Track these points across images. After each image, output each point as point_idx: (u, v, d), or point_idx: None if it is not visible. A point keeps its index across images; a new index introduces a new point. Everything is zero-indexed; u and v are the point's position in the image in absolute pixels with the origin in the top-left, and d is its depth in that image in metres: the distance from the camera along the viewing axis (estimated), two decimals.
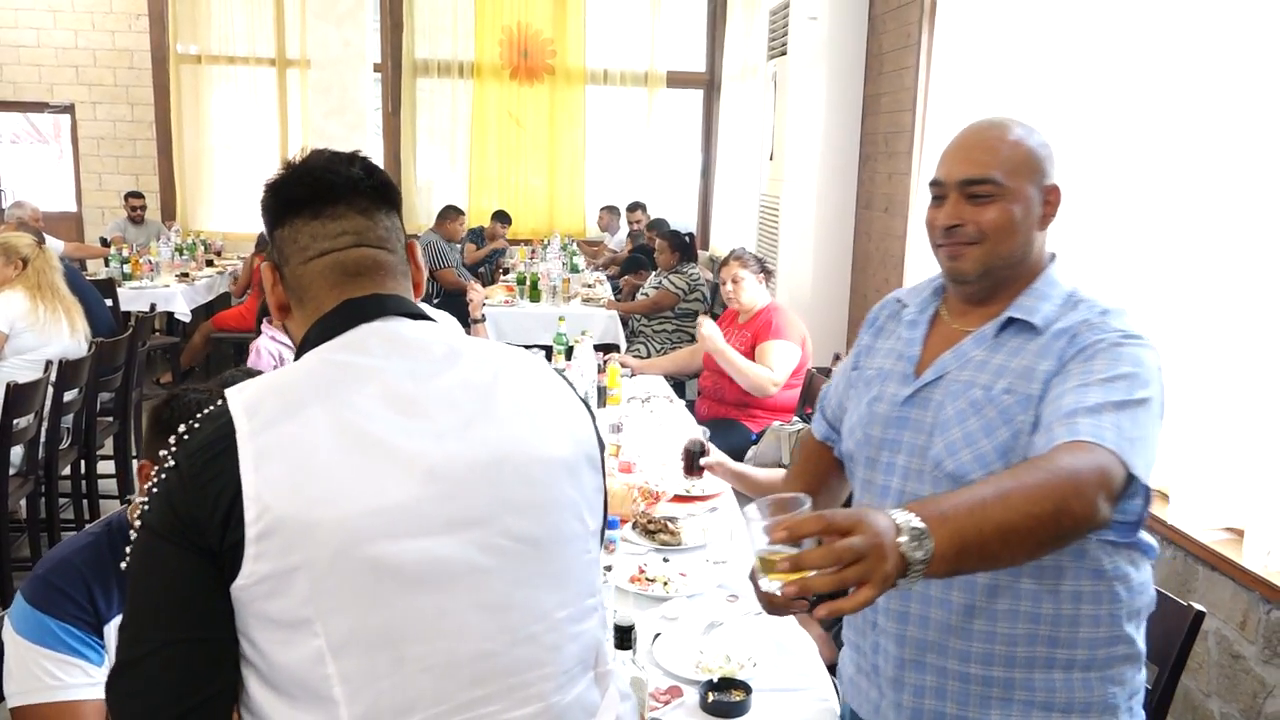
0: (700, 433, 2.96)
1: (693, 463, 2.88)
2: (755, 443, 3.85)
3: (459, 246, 8.02)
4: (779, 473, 2.92)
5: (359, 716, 1.02)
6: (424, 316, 1.20)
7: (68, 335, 4.05)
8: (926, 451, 1.48)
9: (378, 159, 9.20)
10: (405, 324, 1.16)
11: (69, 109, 9.07)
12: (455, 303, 6.18)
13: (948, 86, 4.28)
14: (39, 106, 9.10)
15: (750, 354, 4.09)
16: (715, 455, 2.86)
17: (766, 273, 4.29)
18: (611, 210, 9.17)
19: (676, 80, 9.51)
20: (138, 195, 8.33)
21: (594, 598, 1.20)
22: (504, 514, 1.10)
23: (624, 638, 1.67)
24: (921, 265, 4.34)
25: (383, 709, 1.03)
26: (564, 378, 1.28)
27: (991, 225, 1.45)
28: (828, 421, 1.77)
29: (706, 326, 4.05)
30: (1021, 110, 3.62)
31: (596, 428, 1.27)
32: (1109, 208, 3.06)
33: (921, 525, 1.06)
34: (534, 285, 6.64)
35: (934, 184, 1.52)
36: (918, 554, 1.05)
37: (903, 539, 1.05)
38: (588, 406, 1.27)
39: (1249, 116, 2.47)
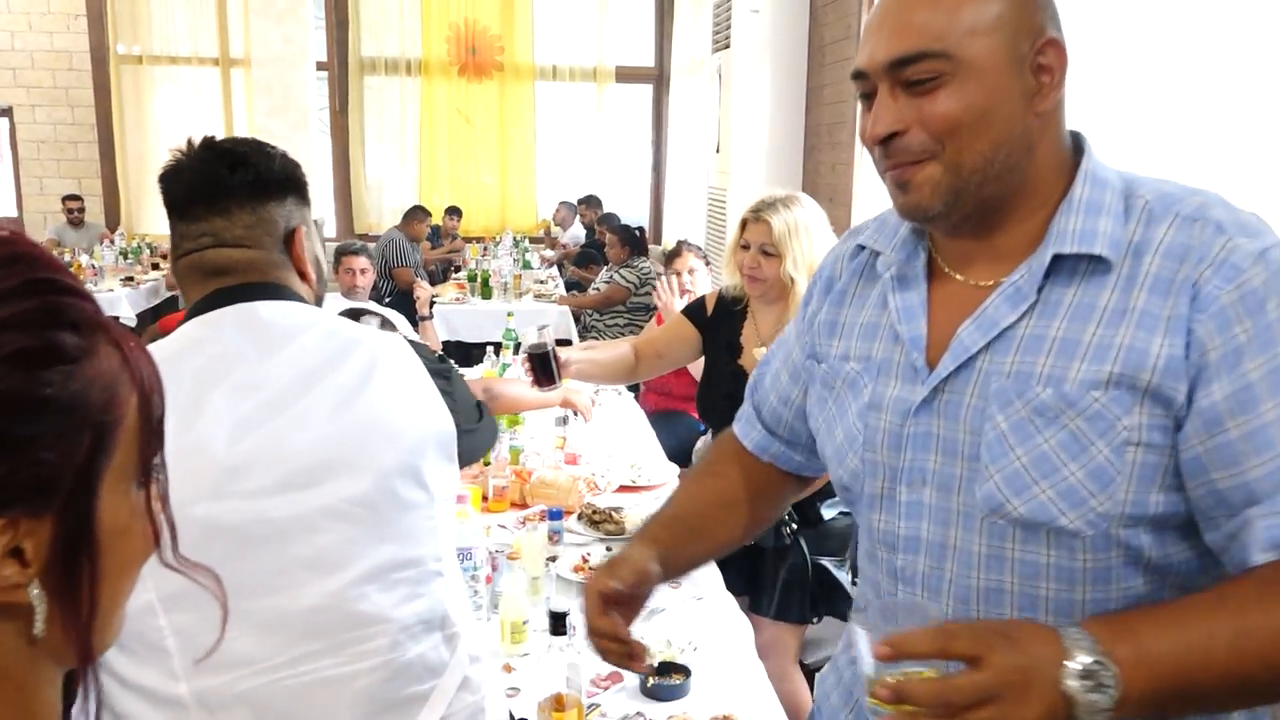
0: (544, 332, 2.46)
1: (543, 367, 2.40)
2: (704, 434, 3.89)
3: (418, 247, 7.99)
4: (623, 348, 2.73)
5: (190, 667, 1.11)
6: (293, 298, 1.27)
7: None
8: (972, 486, 0.96)
9: (324, 158, 9.09)
10: (262, 305, 1.23)
11: (7, 112, 8.88)
12: (410, 301, 6.15)
13: None
14: None
15: None
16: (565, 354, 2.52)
17: (707, 262, 4.33)
18: (568, 206, 9.19)
19: (625, 75, 9.52)
20: (75, 198, 8.18)
21: (439, 562, 1.26)
22: (337, 478, 1.17)
23: (559, 623, 1.69)
24: None
25: (215, 661, 1.08)
26: (427, 366, 1.32)
27: (945, 122, 0.93)
28: (765, 425, 1.29)
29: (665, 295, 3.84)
30: None
31: (454, 411, 1.32)
32: None
33: (1108, 664, 0.79)
34: (485, 282, 6.63)
35: (856, 76, 1.00)
36: (1096, 700, 0.79)
37: (1072, 681, 0.79)
38: (449, 394, 1.32)
39: (1190, 132, 2.54)
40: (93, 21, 8.73)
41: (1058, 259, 0.95)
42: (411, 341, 1.35)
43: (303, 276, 1.31)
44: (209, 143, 1.29)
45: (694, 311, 2.71)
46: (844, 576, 2.49)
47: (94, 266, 7.10)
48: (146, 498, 0.60)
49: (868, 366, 1.08)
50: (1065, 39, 0.96)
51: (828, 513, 2.47)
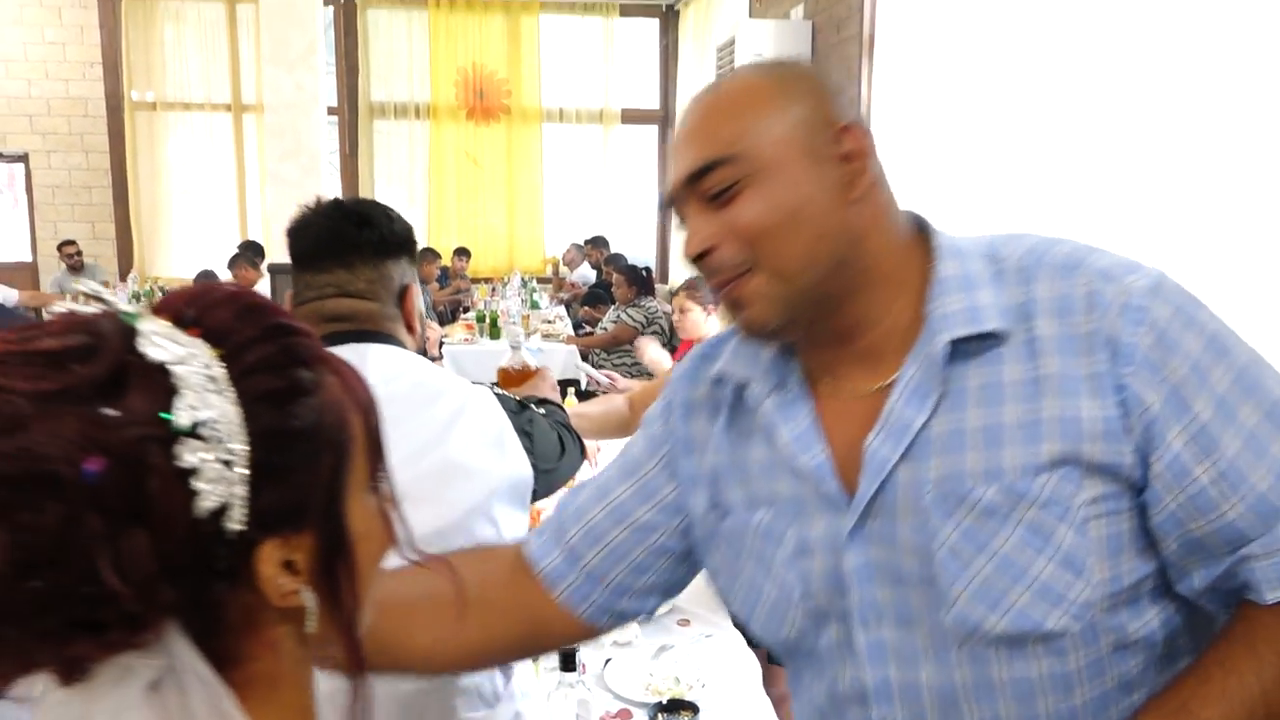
0: (587, 379, 2.49)
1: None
2: None
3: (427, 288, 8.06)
4: (618, 404, 2.64)
5: None
6: (395, 343, 1.37)
7: None
8: (936, 613, 0.87)
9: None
10: (373, 348, 1.32)
11: (23, 158, 9.03)
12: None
13: (889, 117, 4.40)
14: None
15: None
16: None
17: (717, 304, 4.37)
18: (576, 247, 9.27)
19: (631, 117, 9.64)
20: (70, 243, 8.11)
21: None
22: (416, 510, 1.26)
23: (568, 661, 1.70)
24: None
25: None
26: (509, 414, 1.42)
27: (752, 228, 0.87)
28: (572, 551, 1.06)
29: (652, 350, 4.04)
30: (962, 135, 3.74)
31: (531, 454, 1.42)
32: (1054, 232, 3.17)
33: None
34: (494, 323, 6.68)
35: (668, 204, 0.95)
36: None
37: None
38: (528, 437, 1.43)
39: (1188, 149, 2.58)
40: (108, 69, 8.90)
41: (955, 344, 0.86)
42: (497, 392, 1.45)
43: (409, 329, 1.42)
44: (338, 202, 1.41)
45: None
46: None
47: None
48: (379, 502, 0.67)
49: (779, 511, 0.95)
50: (862, 123, 0.92)
51: None
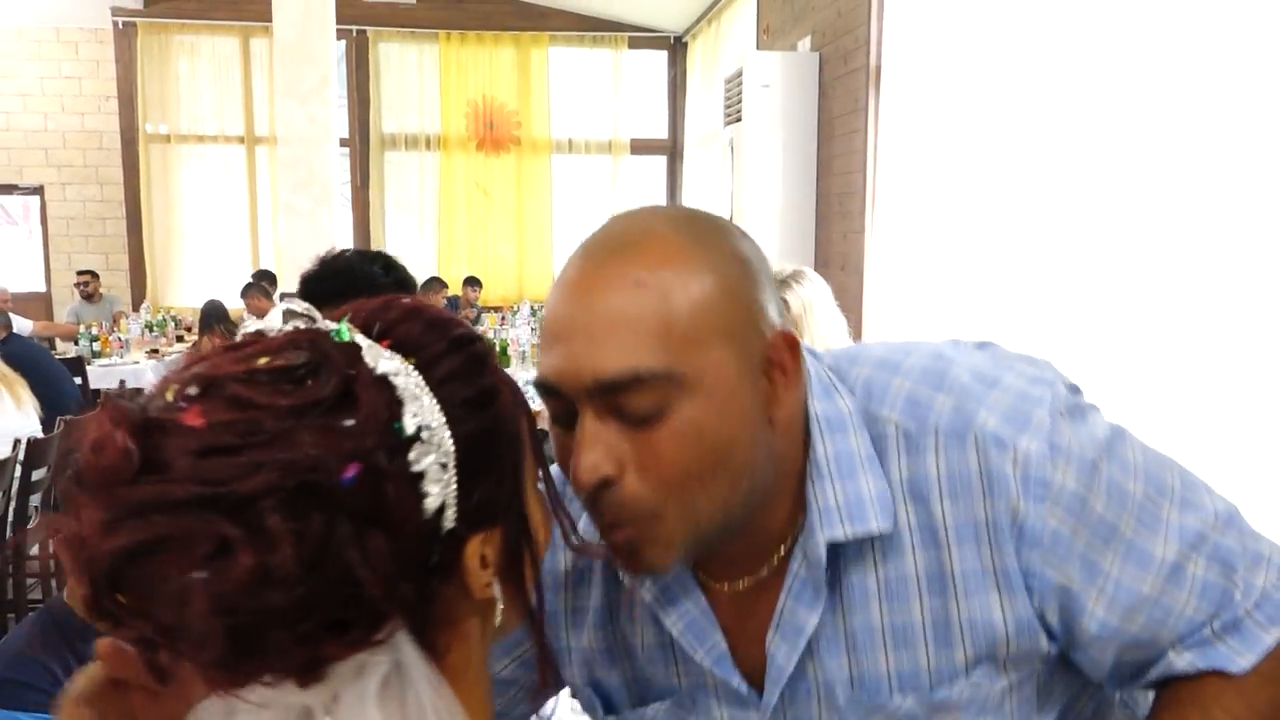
0: None
1: None
2: None
3: None
4: None
5: None
6: None
7: (13, 409, 4.07)
8: None
9: (346, 231, 9.26)
10: None
11: (38, 190, 9.14)
12: None
13: (895, 146, 4.44)
14: (8, 189, 9.17)
15: None
16: None
17: None
18: None
19: (640, 147, 9.71)
20: (85, 272, 8.20)
21: None
22: None
23: None
24: (879, 323, 4.46)
25: None
26: None
27: (675, 469, 0.71)
28: None
29: None
30: (968, 168, 3.78)
31: None
32: (1059, 261, 3.19)
33: None
34: (504, 351, 6.71)
35: (543, 388, 0.75)
36: None
37: None
38: None
39: (1198, 168, 2.61)
40: (123, 103, 9.01)
41: (835, 549, 0.77)
42: None
43: None
44: (358, 249, 1.48)
45: None
46: None
47: (120, 339, 7.23)
48: (542, 499, 0.69)
49: (677, 701, 0.85)
50: (787, 326, 0.77)
51: None
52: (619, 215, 0.81)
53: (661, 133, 9.80)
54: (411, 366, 0.59)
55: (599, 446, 0.70)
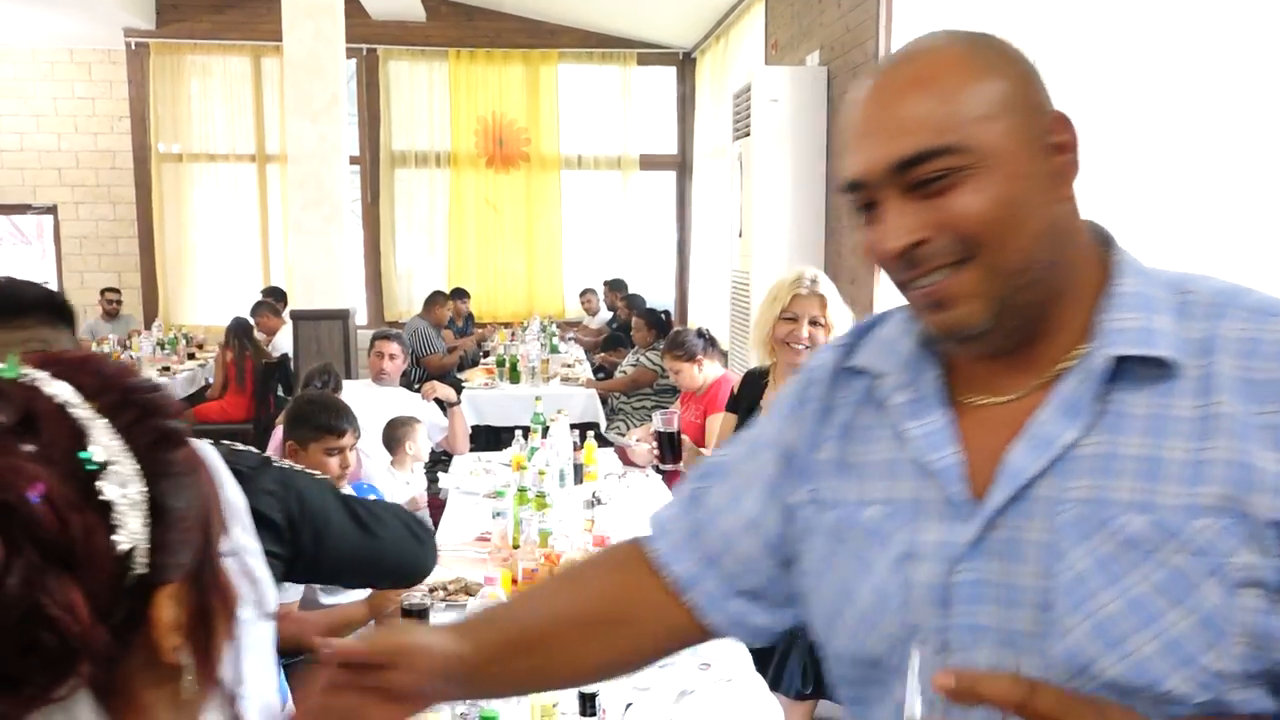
0: (670, 417, 2.86)
1: (671, 446, 2.76)
2: None
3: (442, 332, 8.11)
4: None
5: None
6: None
7: None
8: (1045, 642, 0.79)
9: (357, 248, 9.28)
10: None
11: (51, 210, 9.20)
12: (445, 384, 6.23)
13: None
14: (22, 209, 9.23)
15: (702, 429, 4.16)
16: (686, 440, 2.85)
17: (711, 346, 4.37)
18: (591, 293, 9.32)
19: (649, 163, 9.73)
20: (114, 290, 8.36)
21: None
22: None
23: (588, 705, 1.70)
24: None
25: None
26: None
27: (974, 222, 0.80)
28: (706, 556, 1.01)
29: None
30: None
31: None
32: None
33: None
34: (513, 367, 6.71)
35: (852, 188, 0.87)
36: None
37: None
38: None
39: (1203, 170, 2.59)
40: (135, 122, 9.08)
41: (1121, 361, 0.80)
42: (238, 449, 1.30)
43: None
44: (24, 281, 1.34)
45: (730, 402, 2.93)
46: None
47: (132, 357, 7.26)
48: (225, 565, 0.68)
49: (894, 510, 0.88)
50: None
51: None
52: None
53: (671, 148, 9.82)
54: (91, 406, 0.57)
55: (903, 219, 0.82)
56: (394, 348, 4.82)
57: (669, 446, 2.76)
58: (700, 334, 4.38)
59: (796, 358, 2.67)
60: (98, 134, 9.16)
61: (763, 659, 2.47)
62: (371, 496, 3.67)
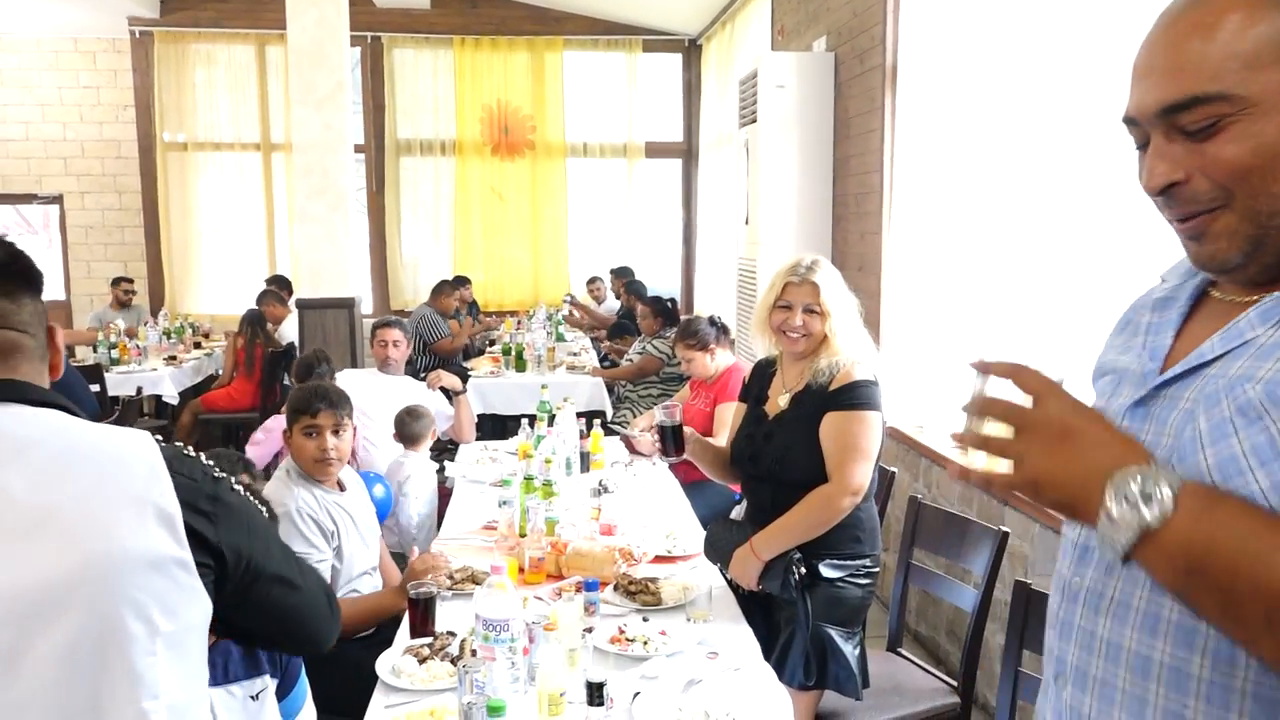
0: (671, 410, 2.76)
1: (673, 438, 2.70)
2: (738, 503, 3.88)
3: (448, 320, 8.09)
4: (721, 443, 3.02)
5: None
6: (48, 404, 1.19)
7: None
8: None
9: (362, 237, 9.30)
10: (11, 409, 1.17)
11: (57, 199, 9.20)
12: (451, 372, 6.22)
13: (913, 146, 4.40)
14: (28, 198, 9.23)
15: (711, 417, 4.15)
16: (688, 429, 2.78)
17: (723, 334, 4.36)
18: (599, 280, 9.28)
19: (655, 150, 9.70)
20: (128, 280, 8.37)
21: (154, 700, 1.15)
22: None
23: (596, 694, 1.69)
24: (897, 324, 4.42)
25: None
26: (161, 474, 1.18)
27: (1232, 168, 0.87)
28: None
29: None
30: (985, 164, 3.74)
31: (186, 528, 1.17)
32: (1078, 260, 3.14)
33: (1167, 486, 0.80)
34: (519, 355, 6.70)
35: (1127, 122, 0.96)
36: (1128, 511, 0.80)
37: (1122, 479, 0.80)
38: (196, 507, 1.19)
39: None
40: (141, 112, 9.07)
41: None
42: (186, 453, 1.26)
43: (53, 369, 1.27)
44: None
45: (744, 390, 2.89)
46: (850, 650, 2.49)
47: (138, 346, 7.26)
48: None
49: (1114, 378, 1.06)
50: None
51: (829, 572, 2.50)
52: None
53: (676, 135, 9.78)
54: None
55: (1166, 158, 0.91)
56: (396, 334, 4.80)
57: (671, 438, 2.70)
58: (713, 322, 4.36)
59: (793, 346, 2.62)
60: (103, 123, 9.15)
61: (765, 650, 2.45)
62: (378, 486, 3.67)
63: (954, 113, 4.01)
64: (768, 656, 2.42)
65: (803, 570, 2.48)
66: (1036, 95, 3.36)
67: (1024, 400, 0.87)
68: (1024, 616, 2.24)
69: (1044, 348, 3.24)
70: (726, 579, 2.69)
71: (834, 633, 2.49)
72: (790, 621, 2.50)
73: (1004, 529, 2.62)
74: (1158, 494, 0.80)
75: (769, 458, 2.61)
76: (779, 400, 2.68)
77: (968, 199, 3.88)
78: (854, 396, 2.51)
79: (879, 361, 2.66)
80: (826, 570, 2.51)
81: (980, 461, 0.89)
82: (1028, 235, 3.41)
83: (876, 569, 2.61)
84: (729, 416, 3.87)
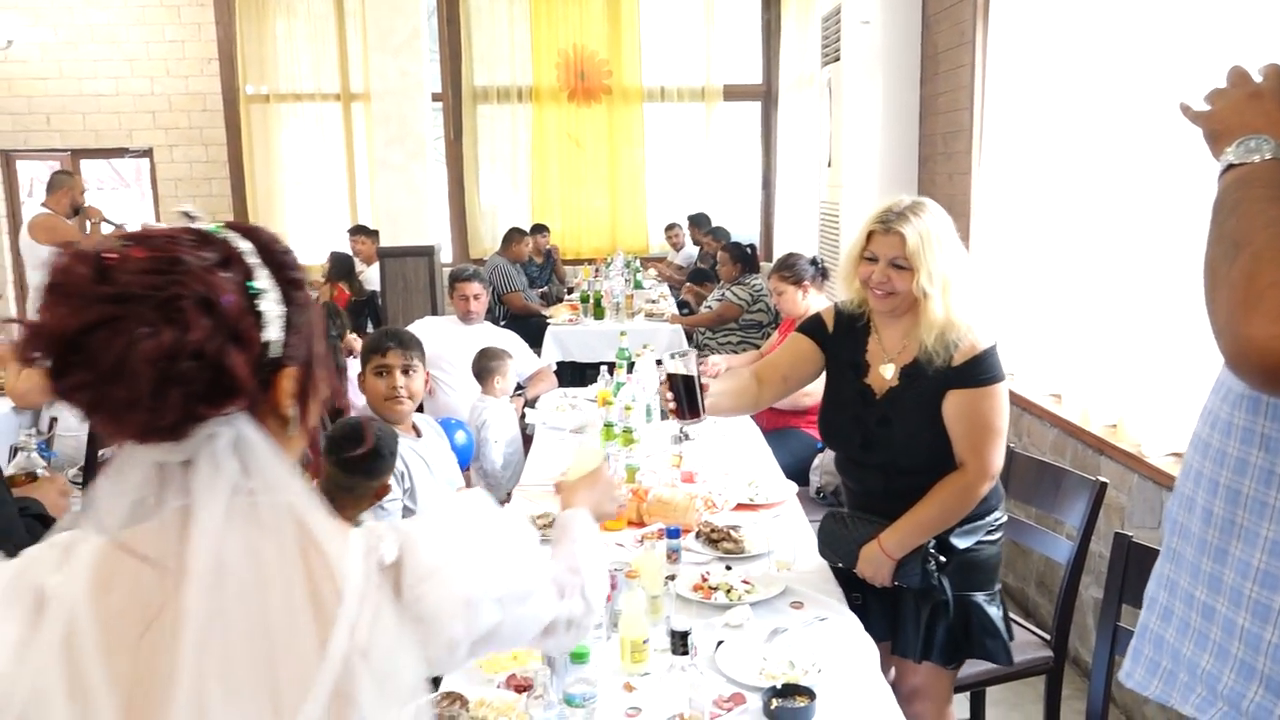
0: (688, 359, 2.29)
1: (688, 396, 2.23)
2: (821, 450, 3.82)
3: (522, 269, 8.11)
4: (744, 377, 2.55)
5: None
6: None
7: None
8: None
9: (440, 186, 9.35)
10: None
11: (148, 153, 9.41)
12: (522, 324, 6.25)
13: (1005, 83, 4.21)
14: (119, 152, 9.46)
15: None
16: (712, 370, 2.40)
17: (822, 276, 4.27)
18: (677, 227, 9.21)
19: (733, 93, 9.51)
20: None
21: None
22: None
23: (680, 642, 1.66)
24: (987, 269, 4.26)
25: None
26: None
27: None
28: None
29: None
30: (1078, 101, 3.55)
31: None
32: (1182, 204, 2.97)
33: (1270, 153, 1.09)
34: (598, 303, 6.68)
35: None
36: (1237, 151, 1.11)
37: (1248, 138, 1.11)
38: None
39: None
40: (224, 64, 9.19)
41: None
42: None
43: None
44: None
45: (813, 328, 2.50)
46: (995, 612, 2.29)
47: None
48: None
49: None
50: None
51: (962, 542, 2.25)
52: None
53: (755, 77, 9.57)
54: (257, 256, 0.96)
55: None
56: (476, 288, 4.81)
57: (685, 396, 2.24)
58: (813, 262, 4.27)
59: (880, 304, 2.27)
60: (189, 77, 9.30)
61: (900, 630, 2.32)
62: (459, 433, 3.69)
63: (1050, 46, 3.81)
64: (902, 643, 2.31)
65: (941, 559, 2.23)
66: (1143, 23, 3.16)
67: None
68: (1123, 570, 2.15)
69: (1141, 292, 3.09)
70: (833, 569, 2.42)
71: (978, 598, 2.28)
72: (922, 604, 2.27)
73: (1102, 479, 2.52)
74: (1259, 153, 1.09)
75: (887, 447, 2.28)
76: (882, 371, 2.31)
77: (1063, 137, 3.69)
78: (980, 370, 2.20)
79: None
80: (959, 541, 2.25)
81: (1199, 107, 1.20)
82: (1126, 175, 3.23)
83: (1004, 518, 2.37)
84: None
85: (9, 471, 2.54)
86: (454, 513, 1.15)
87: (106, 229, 6.35)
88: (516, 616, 1.10)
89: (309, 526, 0.94)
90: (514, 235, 7.97)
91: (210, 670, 0.86)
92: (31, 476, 2.50)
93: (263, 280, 0.94)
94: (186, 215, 1.00)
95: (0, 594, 0.91)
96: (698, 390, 2.24)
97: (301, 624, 0.90)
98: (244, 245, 0.95)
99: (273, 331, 0.93)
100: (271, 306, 0.94)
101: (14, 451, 2.66)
